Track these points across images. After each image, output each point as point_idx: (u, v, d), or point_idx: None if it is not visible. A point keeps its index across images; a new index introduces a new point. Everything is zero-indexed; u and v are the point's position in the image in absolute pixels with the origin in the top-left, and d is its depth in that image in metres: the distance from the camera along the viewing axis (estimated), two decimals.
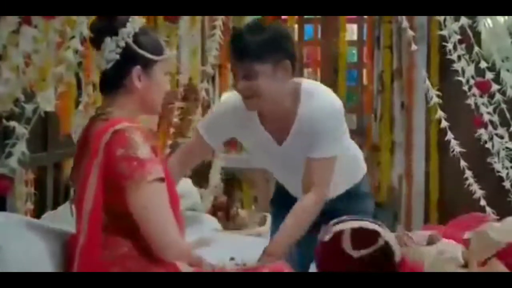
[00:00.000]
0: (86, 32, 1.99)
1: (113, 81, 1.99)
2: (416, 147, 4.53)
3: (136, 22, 1.98)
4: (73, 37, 2.03)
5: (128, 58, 1.96)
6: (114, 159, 1.88)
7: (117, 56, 1.95)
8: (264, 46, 2.27)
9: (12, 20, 1.99)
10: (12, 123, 1.98)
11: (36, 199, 3.09)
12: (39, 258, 1.93)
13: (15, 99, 2.08)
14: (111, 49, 1.95)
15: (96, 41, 1.98)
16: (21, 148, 1.94)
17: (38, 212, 3.06)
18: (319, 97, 2.42)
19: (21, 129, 1.96)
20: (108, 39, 1.95)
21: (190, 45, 4.28)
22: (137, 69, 1.97)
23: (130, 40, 1.96)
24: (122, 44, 1.95)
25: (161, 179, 1.92)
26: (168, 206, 1.95)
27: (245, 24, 2.39)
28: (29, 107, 1.99)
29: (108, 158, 1.88)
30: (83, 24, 2.01)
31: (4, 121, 2.04)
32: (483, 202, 2.66)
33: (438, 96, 2.63)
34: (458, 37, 2.54)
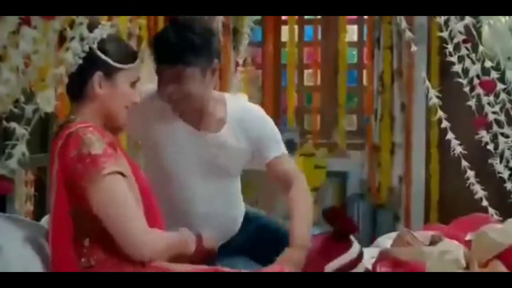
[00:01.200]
0: (86, 33, 1.98)
1: (76, 86, 2.00)
2: (416, 148, 4.53)
3: (104, 29, 1.99)
4: (73, 38, 2.02)
5: (91, 63, 1.96)
6: (70, 161, 1.88)
7: (80, 60, 1.95)
8: (194, 48, 2.19)
9: (12, 21, 1.99)
10: (12, 124, 1.98)
11: (36, 200, 3.08)
12: (39, 259, 1.93)
13: (15, 100, 2.08)
14: (76, 52, 1.95)
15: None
16: (21, 149, 1.94)
17: (38, 213, 3.06)
18: (246, 103, 2.47)
19: (21, 130, 1.96)
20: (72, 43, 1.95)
21: None
22: (98, 75, 1.97)
23: (94, 45, 1.96)
24: (86, 48, 1.95)
25: (118, 173, 1.90)
26: (131, 201, 1.92)
27: (169, 24, 2.29)
28: (29, 108, 1.99)
29: (64, 162, 1.89)
30: (83, 25, 2.00)
31: (4, 122, 2.03)
32: (485, 203, 2.65)
33: (437, 96, 2.63)
34: (463, 37, 2.53)
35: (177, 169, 2.33)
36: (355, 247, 2.19)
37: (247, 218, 2.54)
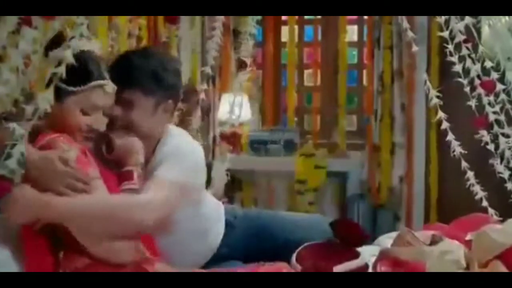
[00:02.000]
0: (87, 33, 1.98)
1: None
2: (416, 148, 4.53)
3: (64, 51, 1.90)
4: (73, 37, 2.02)
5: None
6: None
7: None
8: (155, 78, 2.15)
9: (12, 21, 1.99)
10: (12, 124, 1.97)
11: None
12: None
13: (15, 100, 2.07)
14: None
15: None
16: (20, 149, 1.93)
17: None
18: (182, 135, 2.32)
19: (20, 130, 1.95)
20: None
21: (190, 46, 4.28)
22: None
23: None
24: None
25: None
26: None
27: (135, 48, 2.26)
28: (28, 108, 1.98)
29: None
30: (83, 24, 2.00)
31: (3, 122, 2.03)
32: (485, 203, 2.65)
33: (438, 97, 2.62)
34: (464, 37, 2.53)
35: None
36: (363, 257, 2.21)
37: (232, 223, 2.51)
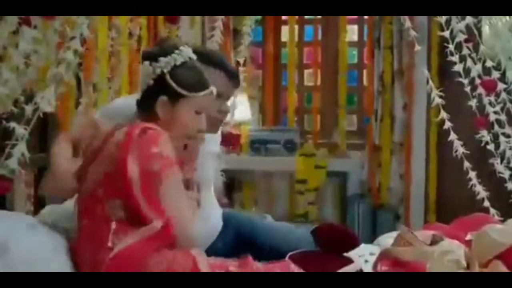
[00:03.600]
0: (87, 33, 1.98)
1: (145, 103, 2.08)
2: (416, 148, 4.53)
3: (182, 55, 2.04)
4: (73, 37, 2.02)
5: (159, 86, 2.04)
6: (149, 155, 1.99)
7: (151, 82, 2.03)
8: None
9: (12, 21, 1.99)
10: (12, 124, 1.97)
11: (35, 200, 3.08)
12: (46, 258, 1.93)
13: (15, 100, 2.08)
14: (148, 73, 2.03)
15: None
16: (20, 149, 1.94)
17: (37, 213, 3.05)
18: None
19: (20, 130, 1.95)
20: (146, 63, 2.03)
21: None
22: (162, 99, 2.04)
23: (166, 70, 2.03)
24: (158, 71, 2.03)
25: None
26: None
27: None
28: (29, 108, 1.99)
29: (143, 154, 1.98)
30: (83, 24, 2.00)
31: (3, 122, 2.03)
32: (487, 203, 2.65)
33: (440, 96, 2.62)
34: (465, 36, 2.53)
35: None
36: (357, 263, 2.19)
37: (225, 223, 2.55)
